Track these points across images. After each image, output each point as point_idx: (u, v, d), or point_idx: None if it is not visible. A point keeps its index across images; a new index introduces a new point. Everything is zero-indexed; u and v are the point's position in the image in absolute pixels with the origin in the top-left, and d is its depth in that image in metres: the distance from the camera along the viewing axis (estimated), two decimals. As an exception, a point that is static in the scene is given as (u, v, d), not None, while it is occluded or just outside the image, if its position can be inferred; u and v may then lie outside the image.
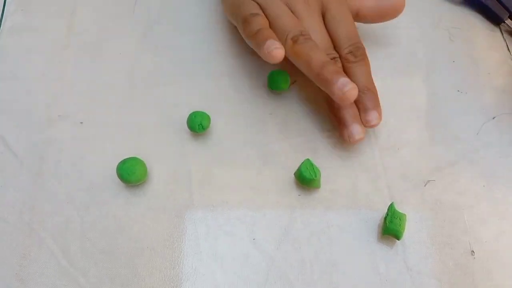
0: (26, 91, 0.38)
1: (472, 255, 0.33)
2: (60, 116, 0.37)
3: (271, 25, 0.34)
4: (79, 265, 0.31)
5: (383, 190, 0.35)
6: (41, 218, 0.33)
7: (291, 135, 0.37)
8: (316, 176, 0.33)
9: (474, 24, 0.44)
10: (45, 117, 0.37)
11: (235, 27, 0.38)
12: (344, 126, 0.35)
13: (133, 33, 0.41)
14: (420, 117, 0.38)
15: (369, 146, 0.37)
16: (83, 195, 0.34)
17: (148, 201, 0.34)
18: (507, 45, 0.43)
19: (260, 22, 0.34)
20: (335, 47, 0.36)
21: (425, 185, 0.35)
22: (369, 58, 0.36)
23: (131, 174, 0.32)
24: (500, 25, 0.44)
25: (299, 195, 0.34)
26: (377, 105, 0.35)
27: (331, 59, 0.35)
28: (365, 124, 0.35)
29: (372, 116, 0.34)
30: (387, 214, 0.33)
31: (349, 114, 0.35)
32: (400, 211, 0.33)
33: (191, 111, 0.35)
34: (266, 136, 0.37)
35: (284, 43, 0.33)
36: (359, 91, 0.33)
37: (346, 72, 0.35)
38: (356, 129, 0.34)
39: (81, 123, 0.36)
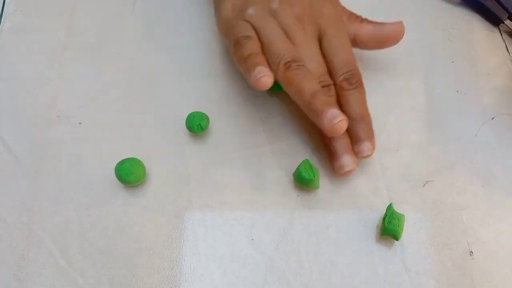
0: (25, 92, 0.38)
1: (471, 255, 0.33)
2: (59, 117, 0.37)
3: (264, 49, 0.33)
4: (78, 266, 0.31)
5: (382, 191, 0.35)
6: (40, 219, 0.33)
7: (290, 136, 0.37)
8: (315, 177, 0.33)
9: (473, 24, 0.44)
10: (44, 117, 0.37)
11: None
12: (334, 157, 0.34)
13: (132, 33, 0.41)
14: (419, 118, 0.38)
15: (368, 147, 0.37)
16: (82, 196, 0.34)
17: (146, 202, 0.34)
18: (506, 46, 0.43)
19: (251, 46, 0.33)
20: (331, 74, 0.35)
21: (424, 186, 0.35)
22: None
23: (129, 174, 0.32)
24: (499, 26, 0.44)
25: (297, 196, 0.34)
26: (370, 135, 0.34)
27: (325, 86, 0.34)
28: (357, 155, 0.34)
29: (365, 147, 0.33)
30: (386, 215, 0.33)
31: (340, 144, 0.33)
32: (398, 212, 0.33)
33: (190, 112, 0.35)
34: (265, 137, 0.37)
35: (276, 68, 0.32)
36: (352, 120, 0.33)
37: (341, 99, 0.34)
38: (346, 161, 0.33)
39: (80, 123, 0.36)
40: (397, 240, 0.32)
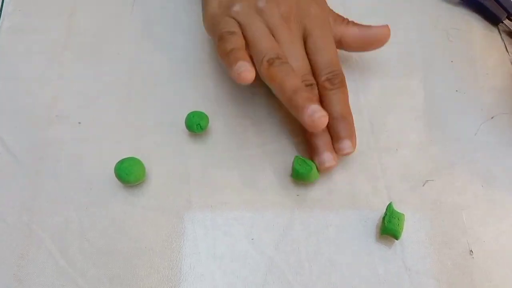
0: (25, 92, 0.38)
1: (471, 255, 0.33)
2: (58, 117, 0.37)
3: (249, 46, 0.34)
4: (78, 265, 0.31)
5: (382, 190, 0.35)
6: (39, 218, 0.33)
7: (290, 135, 0.37)
8: (311, 168, 0.33)
9: (472, 24, 0.44)
10: (43, 117, 0.36)
11: None
12: (315, 153, 0.34)
13: (132, 33, 0.41)
14: (419, 118, 0.38)
15: (368, 147, 0.37)
16: (81, 195, 0.34)
17: (146, 201, 0.34)
18: (505, 45, 0.43)
19: (235, 41, 0.33)
20: (314, 73, 0.35)
21: (423, 185, 0.35)
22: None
23: (129, 174, 0.32)
24: (498, 25, 0.44)
25: (297, 195, 0.34)
26: (351, 134, 0.34)
27: (308, 85, 0.34)
28: (338, 152, 0.34)
29: (344, 145, 0.34)
30: (386, 214, 0.33)
31: (321, 141, 0.34)
32: (398, 211, 0.33)
33: (189, 111, 0.35)
34: (264, 137, 0.37)
35: (259, 64, 0.33)
36: (333, 119, 0.33)
37: (323, 99, 0.34)
38: (327, 157, 0.33)
39: (79, 123, 0.36)
40: (397, 239, 0.32)
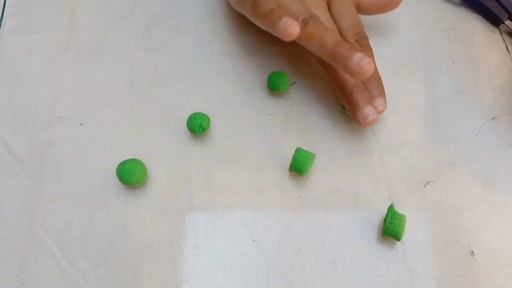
0: (26, 93, 0.38)
1: (472, 256, 0.33)
2: (60, 118, 0.37)
3: None
4: (79, 267, 0.31)
5: (383, 191, 0.35)
6: (41, 220, 0.33)
7: (291, 136, 0.37)
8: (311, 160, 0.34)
9: (474, 24, 0.44)
10: (45, 118, 0.37)
11: (236, 27, 0.38)
12: (357, 108, 0.35)
13: (133, 34, 0.41)
14: (420, 118, 0.38)
15: (369, 147, 0.37)
16: (83, 197, 0.34)
17: (148, 203, 0.34)
18: (506, 46, 0.43)
19: (271, 2, 0.34)
20: (341, 36, 0.36)
21: (424, 186, 0.35)
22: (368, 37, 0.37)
23: (131, 175, 0.32)
24: (500, 26, 0.44)
25: (299, 197, 0.34)
26: (382, 92, 0.36)
27: None
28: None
29: (379, 102, 0.36)
30: (387, 215, 0.33)
31: (361, 96, 0.35)
32: (400, 212, 0.33)
33: (191, 113, 0.35)
34: (266, 137, 0.37)
35: None
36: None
37: None
38: (369, 110, 0.34)
39: (81, 124, 0.36)
40: (398, 240, 0.32)
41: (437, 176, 0.36)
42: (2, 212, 0.33)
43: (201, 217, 0.33)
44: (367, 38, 0.37)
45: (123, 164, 0.33)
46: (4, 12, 0.42)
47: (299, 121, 0.37)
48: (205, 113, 0.35)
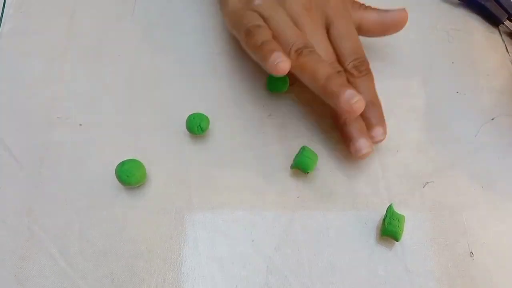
0: (26, 93, 0.38)
1: (471, 256, 0.33)
2: (59, 118, 0.37)
3: (274, 38, 0.34)
4: (79, 267, 0.31)
5: (382, 192, 0.35)
6: (40, 220, 0.33)
7: (290, 136, 0.37)
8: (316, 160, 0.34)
9: (473, 25, 0.44)
10: (44, 119, 0.37)
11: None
12: (350, 140, 0.34)
13: (132, 35, 0.41)
14: (419, 119, 0.38)
15: (368, 148, 0.37)
16: (82, 197, 0.34)
17: (147, 203, 0.34)
18: (505, 46, 0.43)
19: (264, 34, 0.33)
20: (339, 61, 0.35)
21: (424, 187, 0.35)
22: (368, 62, 0.36)
23: (130, 176, 0.32)
24: (499, 26, 0.44)
25: (298, 197, 0.34)
26: (382, 121, 0.35)
27: (337, 72, 0.34)
28: (370, 139, 0.34)
29: (377, 132, 0.34)
30: (386, 216, 0.33)
31: (355, 128, 0.34)
32: (399, 213, 0.33)
33: (190, 113, 0.35)
34: (265, 138, 0.37)
35: (288, 55, 0.32)
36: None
37: None
38: (363, 143, 0.33)
39: (80, 125, 0.36)
40: (397, 241, 0.33)
41: (436, 176, 0.36)
42: (1, 212, 0.33)
43: (200, 218, 0.33)
44: (366, 63, 0.35)
45: (122, 164, 0.33)
46: (4, 12, 0.42)
47: (299, 121, 0.38)
48: (204, 113, 0.35)
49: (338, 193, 0.35)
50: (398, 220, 0.32)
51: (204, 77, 0.39)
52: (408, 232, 0.33)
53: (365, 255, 0.33)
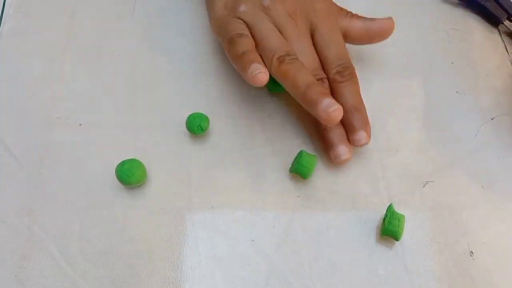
0: (26, 93, 0.38)
1: (471, 256, 0.33)
2: (59, 118, 0.37)
3: (257, 45, 0.34)
4: (79, 267, 0.31)
5: (382, 191, 0.35)
6: (40, 220, 0.33)
7: (290, 136, 0.37)
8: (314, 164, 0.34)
9: (473, 25, 0.44)
10: (44, 119, 0.37)
11: None
12: (330, 147, 0.34)
13: (132, 35, 0.41)
14: (419, 119, 0.38)
15: (368, 147, 0.37)
16: (82, 197, 0.34)
17: (147, 203, 0.34)
18: (505, 46, 0.43)
19: (245, 43, 0.33)
20: (324, 67, 0.35)
21: (423, 186, 0.35)
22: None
23: (130, 175, 0.32)
24: (499, 26, 0.44)
25: (298, 197, 0.34)
26: (365, 125, 0.34)
27: (318, 79, 0.34)
28: (353, 143, 0.34)
29: (360, 136, 0.34)
30: (386, 215, 0.33)
31: (335, 134, 0.34)
32: (399, 212, 0.33)
33: (190, 113, 0.35)
34: (265, 138, 0.37)
35: (270, 63, 0.33)
36: (346, 111, 0.33)
37: (334, 92, 0.35)
38: (342, 150, 0.34)
39: (80, 125, 0.36)
40: (397, 240, 0.33)
41: (436, 176, 0.36)
42: (1, 212, 0.33)
43: (200, 217, 0.33)
44: (351, 68, 0.35)
45: (122, 164, 0.33)
46: (4, 12, 0.42)
47: (298, 121, 0.38)
48: (204, 113, 0.36)
49: (338, 193, 0.35)
50: (398, 220, 0.32)
51: (204, 77, 0.39)
52: (408, 231, 0.33)
53: (365, 255, 0.33)
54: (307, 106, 0.32)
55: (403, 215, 0.33)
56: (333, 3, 0.38)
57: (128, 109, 0.37)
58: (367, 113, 0.35)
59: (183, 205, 0.34)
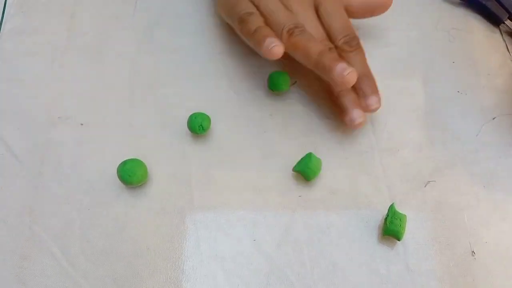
0: (26, 93, 0.38)
1: (473, 255, 0.33)
2: (60, 118, 0.37)
3: (266, 21, 0.35)
4: (80, 267, 0.31)
5: (383, 191, 0.35)
6: (41, 220, 0.33)
7: (291, 136, 0.37)
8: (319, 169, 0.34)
9: (474, 25, 0.44)
10: (45, 118, 0.37)
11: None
12: (345, 112, 0.35)
13: (133, 35, 0.41)
14: (420, 118, 0.38)
15: (369, 147, 0.37)
16: (83, 197, 0.34)
17: (148, 203, 0.34)
18: (506, 46, 0.43)
19: (256, 21, 0.34)
20: (330, 39, 0.36)
21: (425, 186, 0.35)
22: (367, 57, 0.36)
23: (131, 175, 0.32)
24: (500, 26, 0.44)
25: (299, 196, 0.34)
26: (375, 90, 0.36)
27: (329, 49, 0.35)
28: (366, 109, 0.35)
29: (372, 100, 0.35)
30: (388, 215, 0.33)
31: (348, 100, 0.35)
32: (400, 212, 0.33)
33: (191, 112, 0.35)
34: (266, 137, 0.37)
35: (280, 36, 0.34)
36: (357, 78, 0.34)
37: None
38: (356, 114, 0.35)
39: (82, 124, 0.36)
40: (399, 240, 0.32)
41: (438, 176, 0.36)
42: (2, 212, 0.33)
43: (201, 217, 0.33)
44: (357, 38, 0.36)
45: (124, 164, 0.33)
46: (5, 12, 0.42)
47: (300, 121, 0.38)
48: (205, 113, 0.35)
49: (339, 192, 0.35)
50: (400, 220, 0.32)
51: (205, 77, 0.39)
52: (409, 231, 0.33)
53: (367, 255, 0.33)
54: (321, 73, 0.33)
55: (405, 215, 0.33)
56: None
57: (129, 109, 0.37)
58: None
59: (185, 205, 0.34)
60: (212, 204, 0.34)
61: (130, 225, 0.33)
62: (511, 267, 0.33)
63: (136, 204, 0.33)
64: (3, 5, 0.42)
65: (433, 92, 0.40)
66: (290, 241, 0.33)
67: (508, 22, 0.43)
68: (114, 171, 0.33)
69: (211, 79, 0.39)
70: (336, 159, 0.36)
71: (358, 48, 0.36)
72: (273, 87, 0.38)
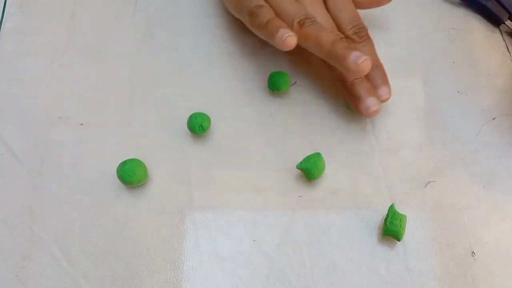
0: (26, 93, 0.38)
1: (473, 256, 0.33)
2: (60, 118, 0.37)
3: (276, 14, 0.35)
4: (80, 267, 0.31)
5: (383, 191, 0.35)
6: (41, 220, 0.33)
7: (292, 136, 0.37)
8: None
9: (474, 25, 0.44)
10: (45, 118, 0.37)
11: (235, 27, 0.38)
12: (359, 100, 0.35)
13: (133, 35, 0.41)
14: (420, 118, 0.38)
15: (369, 147, 0.37)
16: (83, 197, 0.34)
17: (148, 203, 0.34)
18: (506, 46, 0.43)
19: (267, 12, 0.34)
20: (339, 30, 0.37)
21: (425, 186, 0.35)
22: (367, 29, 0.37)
23: (131, 175, 0.32)
24: (500, 26, 0.44)
25: (299, 196, 0.34)
26: (386, 81, 0.36)
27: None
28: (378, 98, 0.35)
29: (383, 90, 0.36)
30: (388, 215, 0.33)
31: (362, 88, 0.35)
32: (400, 212, 0.33)
33: (191, 112, 0.35)
34: (266, 137, 0.37)
35: (291, 28, 0.34)
36: None
37: None
38: (371, 102, 0.35)
39: (81, 124, 0.36)
40: (399, 240, 0.32)
41: (438, 176, 0.36)
42: (2, 212, 0.33)
43: (201, 217, 0.33)
44: (366, 29, 0.37)
45: (123, 164, 0.33)
46: (5, 12, 0.42)
47: (300, 121, 0.37)
48: (205, 113, 0.35)
49: (339, 192, 0.35)
50: (400, 220, 0.32)
51: (206, 77, 0.39)
52: (409, 231, 0.33)
53: (367, 255, 0.33)
54: (335, 62, 0.33)
55: (405, 215, 0.33)
56: None
57: (129, 109, 0.37)
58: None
59: (184, 205, 0.34)
60: (212, 204, 0.34)
61: (130, 225, 0.33)
62: (511, 267, 0.33)
63: (136, 204, 0.33)
64: (3, 4, 0.42)
65: (433, 92, 0.40)
66: (290, 241, 0.33)
67: (508, 22, 0.43)
68: (114, 171, 0.33)
69: (211, 79, 0.39)
70: (336, 159, 0.36)
71: (368, 38, 0.37)
72: (273, 87, 0.38)
